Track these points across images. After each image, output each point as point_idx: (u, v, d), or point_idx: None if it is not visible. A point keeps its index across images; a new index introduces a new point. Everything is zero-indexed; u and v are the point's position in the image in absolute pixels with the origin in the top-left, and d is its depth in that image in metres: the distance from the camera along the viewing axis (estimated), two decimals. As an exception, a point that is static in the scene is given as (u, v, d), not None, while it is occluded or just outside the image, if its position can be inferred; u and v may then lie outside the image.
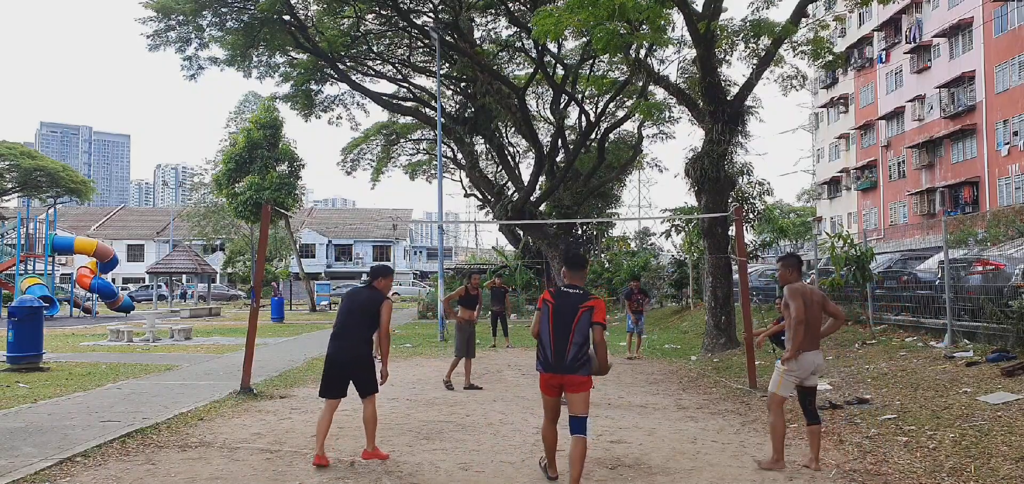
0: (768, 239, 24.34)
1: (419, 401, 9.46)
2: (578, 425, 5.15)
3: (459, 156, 36.88)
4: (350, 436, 7.30)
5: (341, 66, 28.78)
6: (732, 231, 14.14)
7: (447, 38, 26.04)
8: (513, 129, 33.49)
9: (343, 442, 7.03)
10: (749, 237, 23.57)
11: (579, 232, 34.66)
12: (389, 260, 74.96)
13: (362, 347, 6.31)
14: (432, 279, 48.67)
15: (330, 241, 76.85)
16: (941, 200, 40.77)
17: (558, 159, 31.58)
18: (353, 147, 38.43)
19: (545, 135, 33.56)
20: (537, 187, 30.81)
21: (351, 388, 6.36)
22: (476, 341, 11.34)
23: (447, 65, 29.05)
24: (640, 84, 25.09)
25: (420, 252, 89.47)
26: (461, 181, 41.80)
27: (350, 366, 6.29)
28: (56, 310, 30.47)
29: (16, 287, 29.55)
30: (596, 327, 5.14)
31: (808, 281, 17.69)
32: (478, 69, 27.28)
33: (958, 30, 38.97)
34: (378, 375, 6.38)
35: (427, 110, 31.92)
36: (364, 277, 7.17)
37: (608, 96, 29.75)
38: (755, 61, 16.13)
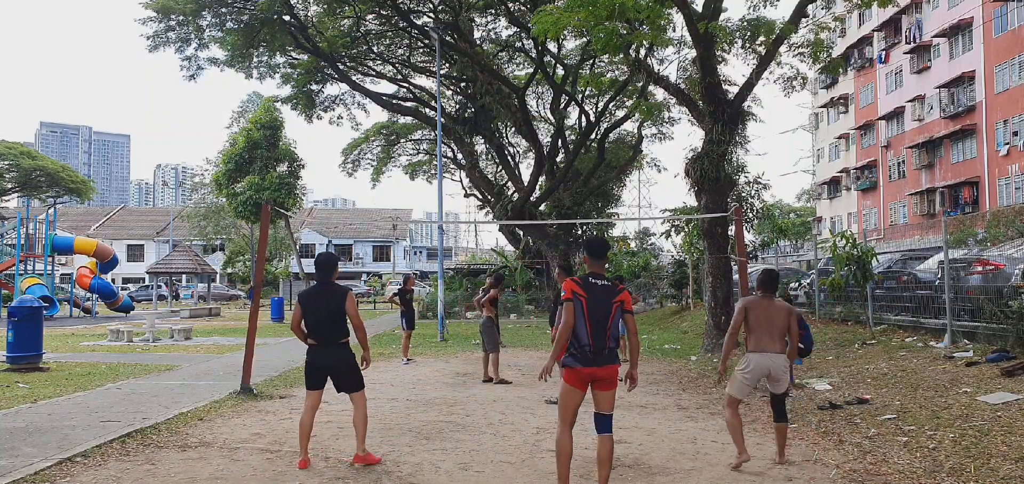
0: (768, 239, 24.33)
1: (419, 401, 9.46)
2: (607, 423, 5.10)
3: (459, 156, 36.90)
4: (350, 436, 7.29)
5: (341, 66, 28.81)
6: (732, 231, 14.13)
7: (447, 38, 26.05)
8: (513, 129, 33.50)
9: (344, 442, 7.03)
10: (749, 237, 23.58)
11: (579, 232, 34.66)
12: (389, 260, 74.98)
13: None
14: (432, 279, 48.65)
15: (330, 241, 76.81)
16: (941, 200, 40.76)
17: (558, 159, 31.60)
18: (353, 147, 38.46)
19: (545, 135, 33.58)
20: (537, 187, 30.82)
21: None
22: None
23: (447, 65, 29.06)
24: (640, 84, 25.10)
25: (420, 252, 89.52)
26: (461, 181, 41.85)
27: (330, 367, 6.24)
28: (56, 310, 30.47)
29: (16, 287, 29.55)
30: (628, 316, 5.15)
31: (807, 281, 17.67)
32: (478, 69, 27.30)
33: (958, 30, 38.97)
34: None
35: (427, 110, 31.93)
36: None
37: (608, 96, 29.76)
38: (755, 61, 16.13)
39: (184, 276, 52.19)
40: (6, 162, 58.61)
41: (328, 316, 6.07)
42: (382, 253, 77.55)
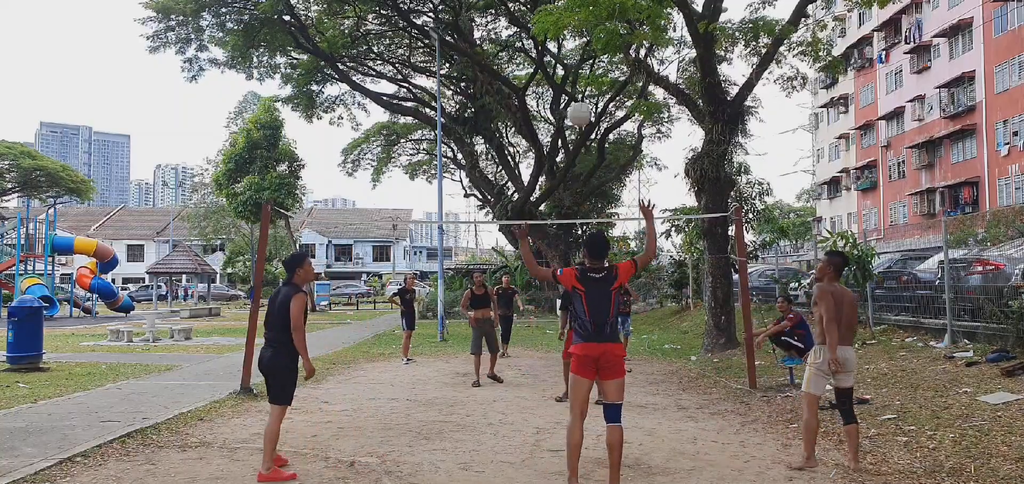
0: (768, 239, 24.32)
1: (419, 401, 9.46)
2: (615, 413, 5.22)
3: (459, 156, 36.88)
4: (350, 436, 7.30)
5: (341, 66, 28.80)
6: (732, 231, 14.13)
7: (447, 38, 26.05)
8: (513, 129, 33.49)
9: (344, 442, 7.04)
10: (749, 237, 23.56)
11: (579, 232, 34.65)
12: (389, 260, 74.97)
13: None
14: (432, 279, 48.64)
15: (330, 241, 76.87)
16: (941, 200, 40.76)
17: (558, 159, 31.58)
18: (354, 147, 38.45)
19: (545, 135, 33.55)
20: (537, 187, 30.81)
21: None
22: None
23: (447, 65, 29.05)
24: (640, 84, 25.08)
25: (420, 252, 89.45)
26: (461, 181, 41.81)
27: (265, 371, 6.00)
28: (56, 310, 30.45)
29: (16, 287, 29.54)
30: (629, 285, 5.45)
31: (807, 282, 17.67)
32: (478, 69, 27.28)
33: (958, 30, 38.97)
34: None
35: (427, 110, 31.93)
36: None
37: (608, 96, 29.75)
38: (755, 61, 16.13)
39: (184, 276, 52.16)
40: (6, 162, 58.54)
41: (273, 316, 5.92)
42: (382, 253, 77.55)
